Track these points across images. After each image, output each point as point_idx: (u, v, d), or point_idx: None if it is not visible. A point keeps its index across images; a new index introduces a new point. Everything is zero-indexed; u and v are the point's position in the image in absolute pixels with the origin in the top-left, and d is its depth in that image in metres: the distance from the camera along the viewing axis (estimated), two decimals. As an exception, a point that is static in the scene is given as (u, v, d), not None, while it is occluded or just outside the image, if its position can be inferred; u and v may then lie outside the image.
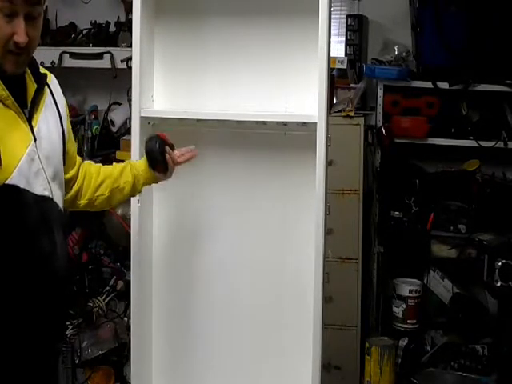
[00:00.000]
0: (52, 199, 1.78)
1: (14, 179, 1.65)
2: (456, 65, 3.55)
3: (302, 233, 2.40)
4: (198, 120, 2.44)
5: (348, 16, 3.95)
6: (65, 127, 1.89)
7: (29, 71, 1.77)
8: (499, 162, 3.67)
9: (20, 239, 1.68)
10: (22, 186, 1.66)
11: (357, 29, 3.89)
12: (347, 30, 3.91)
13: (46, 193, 1.75)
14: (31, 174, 1.70)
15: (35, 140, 1.73)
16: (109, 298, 3.50)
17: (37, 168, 1.71)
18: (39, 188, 1.72)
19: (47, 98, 1.83)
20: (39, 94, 1.78)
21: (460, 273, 3.68)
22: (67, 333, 3.37)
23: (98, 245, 3.79)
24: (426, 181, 3.69)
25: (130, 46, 2.42)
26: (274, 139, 2.44)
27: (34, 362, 1.72)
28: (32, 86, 1.77)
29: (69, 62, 3.65)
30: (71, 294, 3.38)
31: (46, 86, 1.83)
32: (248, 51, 2.42)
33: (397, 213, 3.65)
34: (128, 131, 3.40)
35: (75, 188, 2.03)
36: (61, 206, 1.84)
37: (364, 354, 3.41)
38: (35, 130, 1.75)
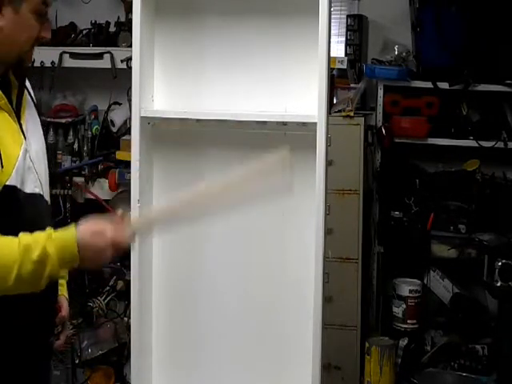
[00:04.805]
0: (43, 196, 1.79)
1: (13, 180, 1.66)
2: (456, 65, 3.55)
3: (302, 233, 2.40)
4: (198, 120, 2.44)
5: (348, 16, 3.96)
6: None
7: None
8: (499, 162, 3.68)
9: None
10: (18, 186, 1.68)
11: (357, 29, 3.89)
12: (347, 30, 3.92)
13: (37, 190, 1.75)
14: (25, 173, 1.70)
15: (25, 138, 1.74)
16: (109, 298, 3.50)
17: (28, 166, 1.72)
18: (31, 186, 1.73)
19: (27, 95, 1.84)
20: (23, 91, 1.79)
21: (460, 273, 3.68)
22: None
23: (98, 245, 3.78)
24: (426, 181, 3.69)
25: (130, 45, 2.42)
26: (274, 139, 2.44)
27: (26, 356, 1.72)
28: (15, 84, 1.77)
29: (69, 62, 3.65)
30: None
31: None
32: (248, 51, 2.42)
33: (397, 213, 3.65)
34: (128, 131, 3.40)
35: None
36: (49, 202, 1.84)
37: (364, 353, 3.42)
38: (24, 128, 1.76)
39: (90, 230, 1.62)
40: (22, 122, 1.76)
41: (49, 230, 1.59)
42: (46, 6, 1.70)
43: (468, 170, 3.64)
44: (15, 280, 1.52)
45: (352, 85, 3.82)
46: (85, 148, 3.69)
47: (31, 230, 1.72)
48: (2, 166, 1.62)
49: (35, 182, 1.74)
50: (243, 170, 1.61)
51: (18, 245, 1.53)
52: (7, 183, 1.64)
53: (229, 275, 2.50)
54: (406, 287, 3.58)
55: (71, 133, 3.72)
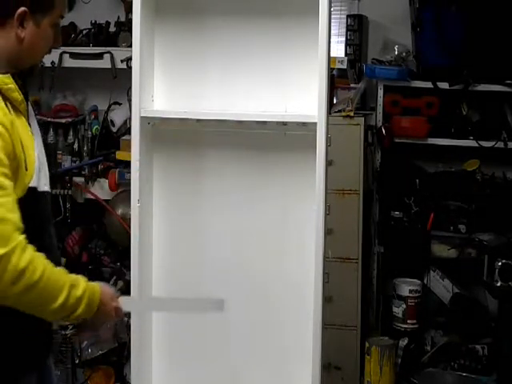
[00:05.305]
0: (50, 193, 1.83)
1: (34, 181, 1.70)
2: (456, 65, 3.55)
3: (302, 233, 2.40)
4: (198, 120, 2.44)
5: (348, 16, 3.96)
6: None
7: None
8: (499, 162, 3.68)
9: (29, 235, 1.71)
10: (36, 186, 1.72)
11: (357, 29, 3.89)
12: (347, 30, 3.92)
13: (46, 188, 1.79)
14: (39, 173, 1.74)
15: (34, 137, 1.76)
16: (109, 298, 3.50)
17: (38, 165, 1.75)
18: (42, 183, 1.76)
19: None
20: (27, 92, 1.80)
21: (460, 273, 3.68)
22: (67, 333, 3.37)
23: (98, 245, 3.79)
24: (426, 181, 3.69)
25: (130, 46, 2.42)
26: (274, 139, 2.44)
27: (31, 338, 1.77)
28: (18, 83, 1.78)
29: (69, 62, 3.65)
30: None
31: None
32: (248, 51, 2.42)
33: (397, 213, 3.65)
34: (128, 131, 3.40)
35: None
36: None
37: (364, 353, 3.42)
38: (32, 127, 1.78)
39: (109, 290, 1.79)
40: (30, 121, 1.78)
41: (82, 276, 1.71)
42: (62, 18, 1.80)
43: (468, 170, 3.64)
44: (59, 306, 1.61)
45: (352, 85, 3.82)
46: (85, 148, 3.69)
47: (41, 226, 1.77)
48: (27, 169, 1.66)
49: (45, 179, 1.78)
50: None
51: (66, 277, 1.65)
52: (30, 185, 1.68)
53: (229, 275, 2.50)
54: (406, 287, 3.58)
55: (71, 133, 3.72)
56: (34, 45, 1.73)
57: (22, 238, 1.56)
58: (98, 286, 1.73)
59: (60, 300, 1.60)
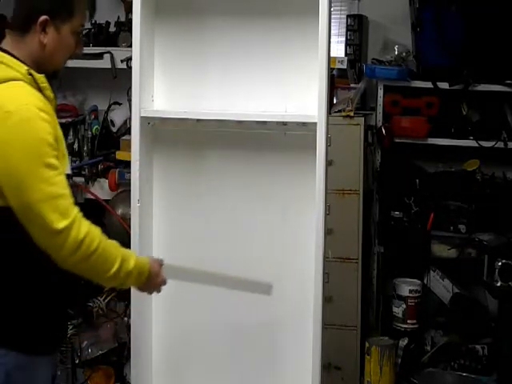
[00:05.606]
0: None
1: (67, 169, 1.82)
2: (456, 65, 3.55)
3: (302, 233, 2.40)
4: (198, 120, 2.44)
5: (348, 16, 3.96)
6: None
7: None
8: (499, 162, 3.67)
9: None
10: (69, 173, 1.85)
11: (357, 29, 3.90)
12: (347, 30, 3.92)
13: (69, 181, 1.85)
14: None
15: None
16: (109, 298, 3.50)
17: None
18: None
19: None
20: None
21: (460, 273, 3.68)
22: (67, 333, 3.37)
23: (98, 245, 3.79)
24: (426, 181, 3.69)
25: (130, 45, 2.43)
26: (274, 139, 2.44)
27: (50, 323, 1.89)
28: None
29: (69, 62, 3.64)
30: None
31: None
32: (248, 51, 2.42)
33: (397, 213, 3.65)
34: (128, 131, 3.40)
35: None
36: None
37: (364, 353, 3.42)
38: None
39: (156, 265, 1.96)
40: None
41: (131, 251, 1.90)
42: (82, 27, 1.96)
43: (468, 170, 3.63)
44: (111, 276, 1.78)
45: (352, 85, 3.82)
46: (85, 148, 3.69)
47: None
48: (63, 156, 1.79)
49: (69, 171, 1.87)
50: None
51: (118, 250, 1.82)
52: (66, 172, 1.79)
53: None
54: (406, 287, 3.58)
55: (71, 133, 3.71)
56: (56, 50, 1.86)
57: (77, 211, 1.71)
58: (147, 261, 1.91)
59: (112, 271, 1.77)
